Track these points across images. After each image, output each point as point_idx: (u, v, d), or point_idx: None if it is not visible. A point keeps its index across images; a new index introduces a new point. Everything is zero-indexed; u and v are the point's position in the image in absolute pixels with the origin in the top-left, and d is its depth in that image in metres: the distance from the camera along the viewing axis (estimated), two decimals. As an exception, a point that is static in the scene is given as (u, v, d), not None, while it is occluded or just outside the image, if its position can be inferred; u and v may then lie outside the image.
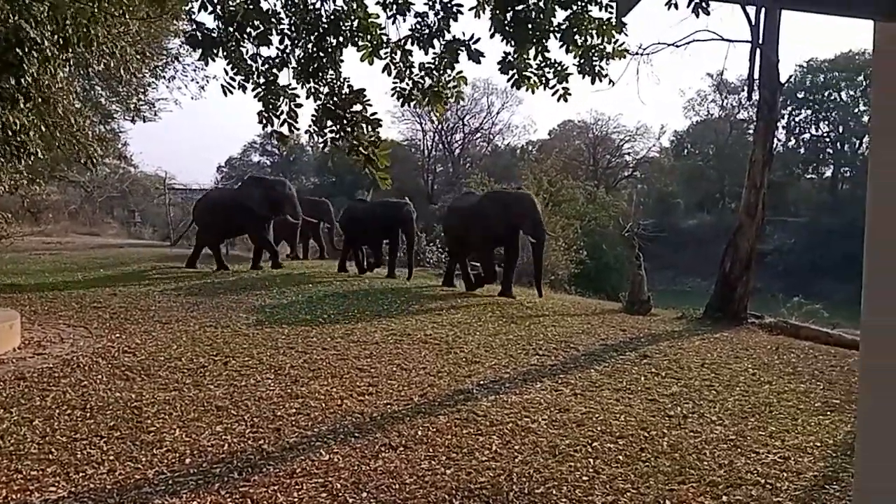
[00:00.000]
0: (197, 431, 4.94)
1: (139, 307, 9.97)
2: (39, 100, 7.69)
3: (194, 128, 69.03)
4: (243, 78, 4.40)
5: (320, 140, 4.47)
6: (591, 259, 19.02)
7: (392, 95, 4.56)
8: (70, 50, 6.16)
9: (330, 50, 4.32)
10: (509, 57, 4.19)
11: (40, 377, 6.28)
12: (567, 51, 4.12)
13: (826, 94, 41.27)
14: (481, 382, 6.33)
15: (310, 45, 4.34)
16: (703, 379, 6.68)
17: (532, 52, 4.13)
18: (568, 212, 20.73)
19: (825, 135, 43.01)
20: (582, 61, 4.18)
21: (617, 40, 4.21)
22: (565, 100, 4.31)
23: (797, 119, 41.75)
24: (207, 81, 19.45)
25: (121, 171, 27.38)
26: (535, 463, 4.36)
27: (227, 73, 4.39)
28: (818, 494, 4.02)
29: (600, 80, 4.29)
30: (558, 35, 4.05)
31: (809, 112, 42.36)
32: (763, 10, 10.18)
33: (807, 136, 43.10)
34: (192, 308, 9.99)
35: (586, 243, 19.10)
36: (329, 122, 4.37)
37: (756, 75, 10.56)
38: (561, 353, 7.59)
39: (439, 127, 41.77)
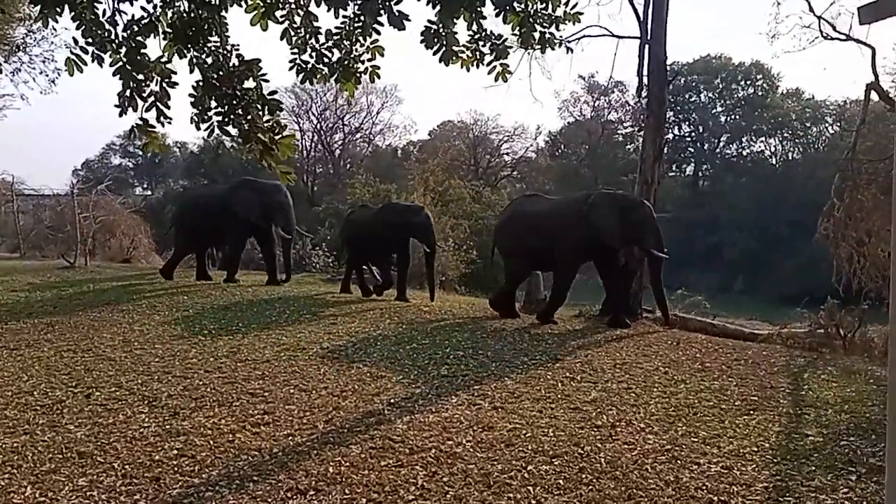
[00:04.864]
0: (54, 487, 4.05)
1: (-21, 331, 8.53)
2: None
3: (45, 128, 63.20)
4: (97, 47, 3.45)
5: (204, 126, 3.58)
6: (479, 258, 18.81)
7: (290, 69, 3.75)
8: None
9: (213, 4, 3.47)
10: (434, 27, 3.54)
11: None
12: (504, 20, 3.54)
13: (686, 96, 43.91)
14: (392, 401, 5.73)
15: (184, 3, 3.47)
16: (618, 381, 6.44)
17: (462, 22, 3.52)
18: (456, 212, 20.50)
19: (686, 135, 45.78)
20: (523, 30, 3.59)
21: (568, 2, 3.66)
22: (504, 79, 3.74)
23: (661, 120, 44.10)
24: (59, 74, 17.53)
25: (-41, 175, 24.25)
26: (469, 498, 3.83)
27: (75, 42, 3.45)
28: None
29: (552, 49, 3.74)
30: (493, 1, 3.45)
31: (671, 114, 44.87)
32: (651, 7, 10.25)
33: (670, 136, 45.63)
34: (45, 329, 8.66)
35: (475, 243, 18.92)
36: (213, 103, 3.52)
37: (645, 71, 10.65)
38: (471, 361, 7.12)
39: (318, 126, 40.59)
